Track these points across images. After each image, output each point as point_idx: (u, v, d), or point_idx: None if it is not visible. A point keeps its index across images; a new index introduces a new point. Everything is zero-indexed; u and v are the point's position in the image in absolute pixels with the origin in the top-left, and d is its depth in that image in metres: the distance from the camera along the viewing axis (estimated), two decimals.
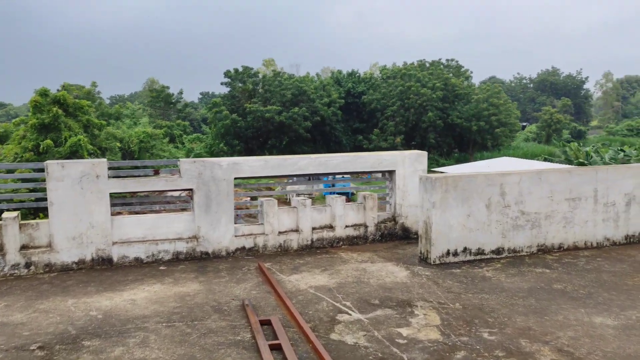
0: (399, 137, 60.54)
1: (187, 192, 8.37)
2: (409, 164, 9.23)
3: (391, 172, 9.29)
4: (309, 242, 8.82)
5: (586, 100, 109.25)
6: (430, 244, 7.91)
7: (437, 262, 7.94)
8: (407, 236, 9.40)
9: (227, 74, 60.97)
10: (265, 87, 60.86)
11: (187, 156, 53.88)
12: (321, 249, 8.88)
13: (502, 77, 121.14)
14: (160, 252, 8.09)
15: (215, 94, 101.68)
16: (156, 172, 8.00)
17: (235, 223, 8.45)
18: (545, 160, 39.61)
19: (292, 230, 8.82)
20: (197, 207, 8.18)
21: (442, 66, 67.59)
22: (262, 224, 8.64)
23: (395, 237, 9.34)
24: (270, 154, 58.49)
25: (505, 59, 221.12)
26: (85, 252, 7.75)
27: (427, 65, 66.88)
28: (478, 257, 8.14)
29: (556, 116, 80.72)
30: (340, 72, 70.31)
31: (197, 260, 8.22)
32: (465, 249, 8.08)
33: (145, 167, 8.50)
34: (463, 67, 69.88)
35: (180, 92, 73.49)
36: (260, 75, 63.23)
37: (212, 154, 55.24)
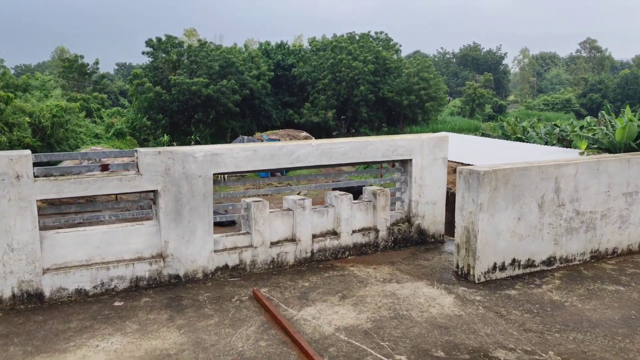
0: (331, 112, 58.90)
1: (147, 194, 6.08)
2: (427, 151, 7.37)
3: (405, 162, 7.40)
4: (309, 255, 6.81)
5: (505, 76, 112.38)
6: (474, 257, 6.14)
7: (482, 279, 6.19)
8: (423, 240, 7.59)
9: (149, 42, 56.49)
10: (190, 58, 56.95)
11: (108, 132, 49.42)
12: (324, 262, 6.89)
13: (426, 51, 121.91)
14: (113, 280, 5.81)
15: (133, 65, 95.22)
16: (104, 168, 5.64)
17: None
18: (483, 135, 39.27)
19: (287, 240, 6.76)
20: (163, 214, 5.93)
21: (371, 39, 66.24)
22: (248, 233, 6.51)
23: (410, 242, 7.50)
24: (197, 129, 55.08)
25: (427, 33, 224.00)
26: (2, 286, 5.34)
27: (357, 37, 65.28)
28: (527, 270, 6.48)
29: (479, 91, 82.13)
30: (268, 43, 67.27)
31: (165, 288, 6.00)
32: (513, 261, 6.38)
33: (87, 158, 6.09)
34: (392, 40, 68.91)
35: (97, 63, 67.56)
36: (185, 46, 59.06)
37: (135, 129, 51.13)
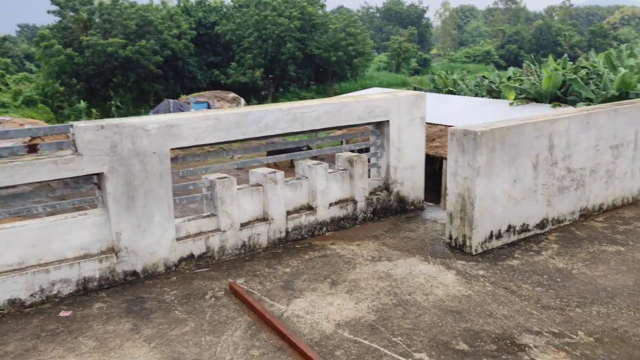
0: (258, 71, 57.11)
1: (91, 177, 4.99)
2: (405, 110, 6.65)
3: (381, 124, 6.65)
4: (284, 234, 6.00)
5: (427, 29, 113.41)
6: (470, 227, 5.55)
7: (479, 249, 5.64)
8: (403, 209, 6.95)
9: (54, 0, 51.88)
10: (103, 16, 53.02)
11: (16, 100, 45.38)
12: (300, 241, 6.11)
13: (350, 6, 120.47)
14: (56, 285, 4.77)
15: (38, 27, 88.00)
16: (32, 149, 4.54)
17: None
18: (415, 89, 39.14)
19: (258, 220, 5.90)
20: (112, 201, 4.90)
21: None
22: (215, 215, 5.59)
23: (390, 211, 6.84)
24: (117, 94, 51.80)
25: None
26: None
27: None
28: (522, 235, 5.99)
29: (404, 45, 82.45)
30: (187, 0, 63.72)
31: (121, 289, 5.02)
32: (509, 228, 5.87)
33: (7, 137, 4.81)
34: None
35: None
36: (96, 3, 54.74)
37: (47, 96, 47.30)
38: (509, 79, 31.22)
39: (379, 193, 6.78)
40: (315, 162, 6.24)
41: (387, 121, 6.57)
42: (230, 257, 5.64)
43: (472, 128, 5.43)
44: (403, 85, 57.92)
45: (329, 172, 6.25)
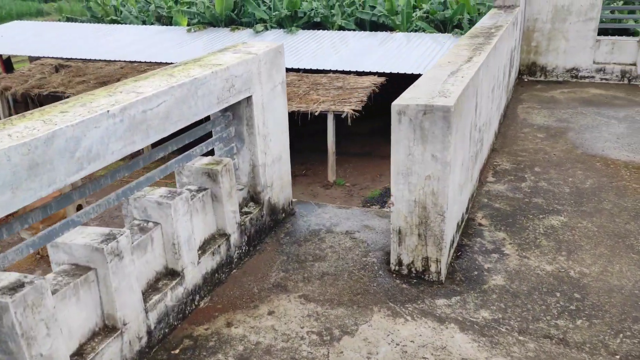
0: None
1: None
2: (266, 75, 4.22)
3: (239, 104, 4.09)
4: (145, 340, 3.20)
5: None
6: (439, 245, 3.75)
7: (445, 273, 3.92)
8: (276, 221, 4.68)
9: None
10: None
11: None
12: (173, 337, 3.38)
13: None
14: None
15: None
16: None
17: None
18: (69, 20, 33.14)
19: (98, 336, 2.95)
20: None
21: None
22: None
23: (264, 232, 4.50)
24: None
25: None
26: None
27: None
28: (463, 229, 4.50)
29: None
30: None
31: None
32: (457, 227, 4.28)
33: None
34: None
35: None
36: None
37: None
38: (176, 2, 28.63)
39: (249, 210, 4.35)
40: (166, 192, 3.44)
41: (249, 97, 4.08)
42: None
43: (435, 102, 3.48)
44: (39, 15, 48.93)
45: (189, 201, 3.55)
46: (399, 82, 17.43)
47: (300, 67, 17.49)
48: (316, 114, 14.40)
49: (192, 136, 3.72)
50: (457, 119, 3.57)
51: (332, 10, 21.30)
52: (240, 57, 3.94)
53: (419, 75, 16.73)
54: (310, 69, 17.34)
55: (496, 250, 4.24)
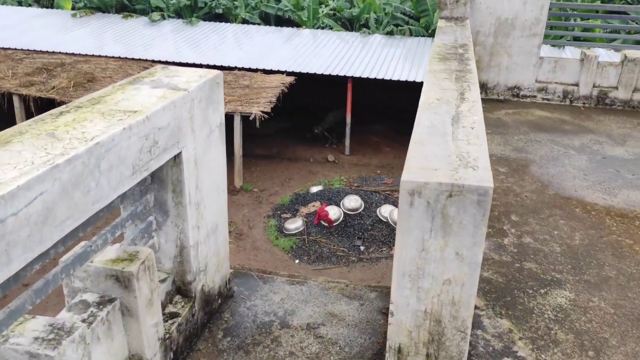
0: None
1: None
2: (200, 119, 2.92)
3: (163, 167, 2.76)
4: None
5: None
6: None
7: None
8: (210, 313, 3.39)
9: None
10: None
11: None
12: None
13: None
14: None
15: None
16: None
17: None
18: None
19: None
20: None
21: None
22: None
23: (195, 335, 3.21)
24: None
25: None
26: None
27: None
28: None
29: None
30: None
31: None
32: None
33: None
34: None
35: None
36: None
37: None
38: None
39: (176, 310, 3.04)
40: (45, 327, 2.07)
41: (178, 154, 2.76)
42: None
43: (465, 180, 2.38)
44: None
45: (84, 329, 2.20)
46: (308, 82, 16.44)
47: (203, 63, 15.92)
48: None
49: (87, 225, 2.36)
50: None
51: (236, 2, 19.88)
52: (165, 97, 2.62)
53: (329, 76, 15.85)
54: (214, 65, 15.83)
55: (507, 352, 3.25)
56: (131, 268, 2.48)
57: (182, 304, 3.08)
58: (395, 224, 15.57)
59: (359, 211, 14.32)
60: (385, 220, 13.84)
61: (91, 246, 2.42)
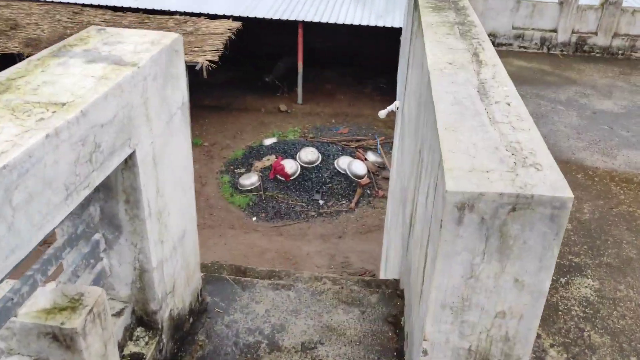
0: None
1: None
2: (157, 102, 2.16)
3: (112, 173, 2.00)
4: None
5: None
6: None
7: None
8: (181, 341, 2.72)
9: None
10: None
11: None
12: None
13: None
14: None
15: None
16: None
17: None
18: None
19: None
20: None
21: None
22: None
23: None
24: None
25: None
26: None
27: None
28: None
29: None
30: None
31: None
32: None
33: None
34: None
35: None
36: None
37: None
38: None
39: (137, 349, 2.35)
40: None
41: (131, 154, 2.01)
42: None
43: (537, 189, 1.76)
44: None
45: None
46: (256, 27, 15.38)
47: (140, 7, 14.59)
48: None
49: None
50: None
51: None
52: (107, 77, 1.84)
53: (279, 20, 14.75)
54: (153, 9, 14.54)
55: None
56: (74, 322, 1.77)
57: (146, 339, 2.40)
58: (354, 176, 15.12)
59: (316, 164, 13.69)
60: (343, 172, 13.28)
61: (13, 299, 1.68)
